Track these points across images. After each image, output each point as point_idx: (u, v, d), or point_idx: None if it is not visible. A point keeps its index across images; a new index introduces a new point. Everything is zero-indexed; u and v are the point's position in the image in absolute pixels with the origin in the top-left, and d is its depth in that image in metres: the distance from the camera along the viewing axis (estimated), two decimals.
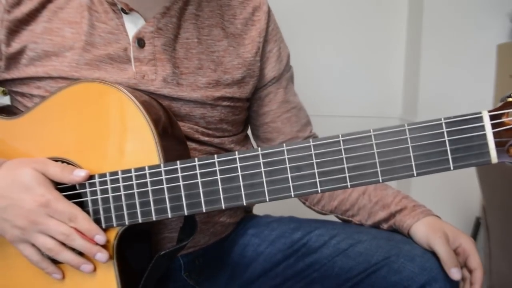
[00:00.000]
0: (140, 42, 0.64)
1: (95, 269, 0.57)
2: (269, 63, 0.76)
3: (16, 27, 0.63)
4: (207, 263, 0.76)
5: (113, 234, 0.57)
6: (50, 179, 0.57)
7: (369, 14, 1.64)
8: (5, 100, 0.94)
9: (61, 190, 0.58)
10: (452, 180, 1.56)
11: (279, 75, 0.78)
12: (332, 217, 0.78)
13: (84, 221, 0.55)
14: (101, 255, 0.55)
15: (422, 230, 0.65)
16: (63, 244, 0.56)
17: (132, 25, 0.65)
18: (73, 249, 0.56)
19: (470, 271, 0.63)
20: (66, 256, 0.56)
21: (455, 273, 0.60)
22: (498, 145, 0.44)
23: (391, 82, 1.67)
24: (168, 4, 0.66)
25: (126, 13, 0.64)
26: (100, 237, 0.55)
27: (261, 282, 0.73)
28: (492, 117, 0.44)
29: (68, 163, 0.59)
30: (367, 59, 1.65)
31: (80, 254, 0.57)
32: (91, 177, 0.57)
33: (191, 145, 0.68)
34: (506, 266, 1.14)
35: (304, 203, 0.82)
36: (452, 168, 0.45)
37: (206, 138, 0.70)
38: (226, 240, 0.77)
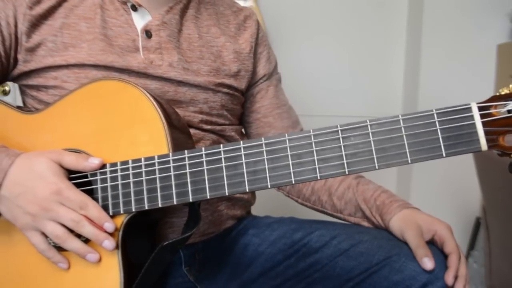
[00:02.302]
0: (148, 33, 0.72)
1: (100, 259, 0.59)
2: (260, 63, 0.84)
3: (37, 21, 0.69)
4: (207, 260, 0.77)
5: (119, 223, 0.60)
6: (65, 167, 0.60)
7: (369, 15, 1.65)
8: (6, 100, 0.96)
9: (73, 177, 0.61)
10: (452, 180, 1.57)
11: (269, 74, 0.85)
12: (332, 218, 0.80)
13: (94, 209, 0.58)
14: (108, 242, 0.57)
15: (397, 224, 0.68)
16: (72, 232, 0.58)
17: (140, 20, 0.72)
18: (80, 239, 0.59)
19: (447, 257, 0.64)
20: (73, 244, 0.58)
21: (426, 263, 0.61)
22: (487, 133, 0.47)
23: (391, 82, 1.69)
24: (171, 4, 0.75)
25: (135, 9, 0.72)
26: (109, 225, 0.57)
27: (261, 282, 0.75)
28: (480, 108, 0.47)
29: None
30: (367, 60, 1.66)
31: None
32: (103, 166, 0.60)
33: (195, 132, 0.73)
34: (506, 266, 1.15)
35: (296, 201, 0.85)
36: (444, 155, 0.48)
37: (209, 127, 0.75)
38: (226, 239, 0.79)
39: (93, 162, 0.60)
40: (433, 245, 0.67)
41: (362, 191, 0.75)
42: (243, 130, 0.87)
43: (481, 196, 1.24)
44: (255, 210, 0.89)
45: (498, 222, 1.17)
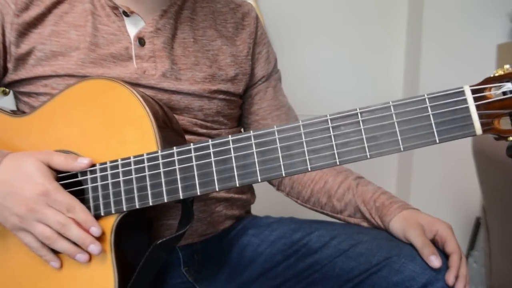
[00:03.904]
0: (141, 41, 0.69)
1: (90, 259, 0.58)
2: (259, 64, 0.81)
3: (25, 30, 0.68)
4: (206, 260, 0.76)
5: (110, 223, 0.59)
6: (54, 168, 0.59)
7: (369, 15, 1.65)
8: (5, 100, 0.97)
9: (63, 177, 0.60)
10: (452, 180, 1.55)
11: (268, 74, 0.83)
12: (332, 218, 0.79)
13: (82, 213, 0.57)
14: (94, 246, 0.56)
15: (398, 225, 0.67)
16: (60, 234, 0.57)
17: (133, 27, 0.70)
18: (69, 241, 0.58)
19: (448, 257, 0.63)
20: (62, 245, 0.57)
21: (433, 261, 0.60)
22: (481, 117, 0.45)
23: (391, 82, 1.67)
24: (165, 7, 0.72)
25: (127, 15, 0.69)
26: (96, 229, 0.57)
27: (260, 282, 0.74)
28: (474, 91, 0.45)
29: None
30: (367, 60, 1.65)
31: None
32: (92, 165, 0.59)
33: (190, 137, 0.71)
34: (506, 266, 1.13)
35: (296, 201, 0.84)
36: (438, 141, 0.46)
37: (204, 131, 0.74)
38: (225, 239, 0.78)
39: (82, 162, 0.59)
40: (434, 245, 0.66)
41: (362, 192, 0.74)
42: (242, 130, 0.86)
43: (481, 196, 1.22)
44: (255, 210, 0.87)
45: (498, 222, 1.15)
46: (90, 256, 0.58)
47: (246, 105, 0.82)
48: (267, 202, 1.02)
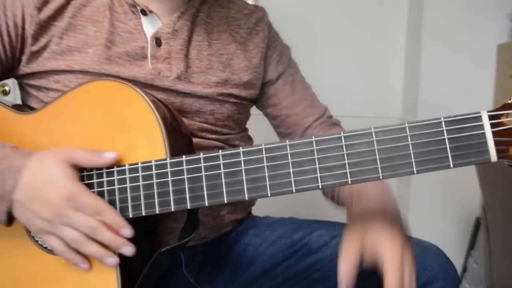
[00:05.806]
0: (158, 41, 0.69)
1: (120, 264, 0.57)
2: (271, 67, 0.80)
3: (45, 23, 0.66)
4: (207, 261, 0.77)
5: None
6: (79, 165, 0.57)
7: (369, 15, 1.64)
8: (4, 99, 0.94)
9: None
10: (452, 181, 1.56)
11: (280, 72, 0.81)
12: (332, 218, 0.78)
13: (111, 215, 0.55)
14: (128, 248, 0.55)
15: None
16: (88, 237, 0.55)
17: (150, 26, 0.69)
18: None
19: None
20: (91, 248, 0.55)
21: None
22: (497, 144, 0.45)
23: (391, 82, 1.67)
24: (183, 9, 0.71)
25: (145, 14, 0.68)
26: (128, 231, 0.55)
27: (261, 282, 0.74)
28: (491, 117, 0.45)
29: None
30: (367, 59, 1.65)
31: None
32: (98, 170, 0.58)
33: (199, 140, 0.71)
34: (506, 266, 1.15)
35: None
36: (452, 166, 0.46)
37: (214, 136, 0.73)
38: (226, 239, 0.78)
39: (109, 156, 0.57)
40: (434, 245, 0.66)
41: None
42: (249, 135, 0.85)
43: (481, 196, 1.23)
44: (255, 210, 0.88)
45: (498, 222, 1.17)
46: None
47: (268, 108, 0.82)
48: (267, 203, 1.02)
